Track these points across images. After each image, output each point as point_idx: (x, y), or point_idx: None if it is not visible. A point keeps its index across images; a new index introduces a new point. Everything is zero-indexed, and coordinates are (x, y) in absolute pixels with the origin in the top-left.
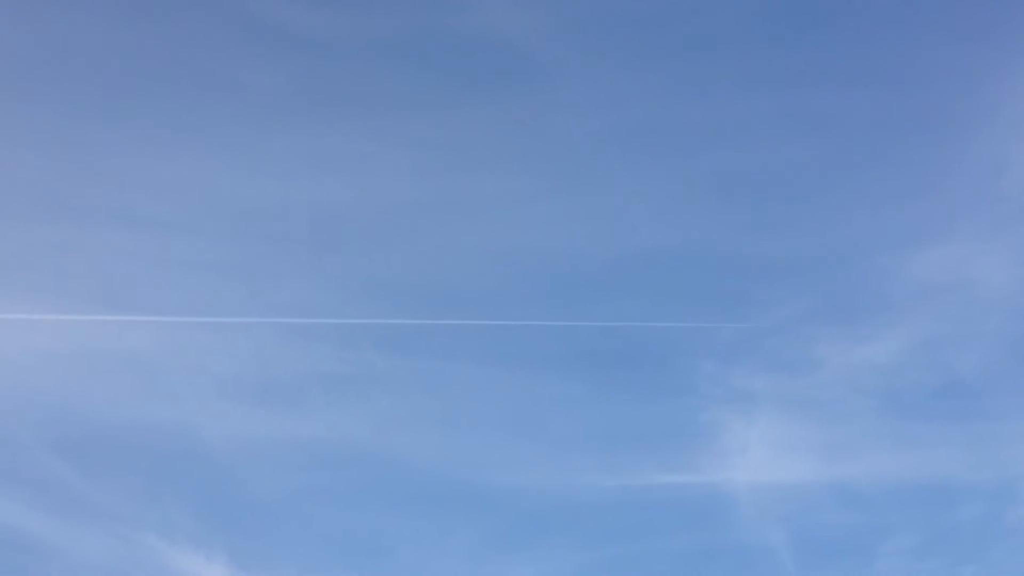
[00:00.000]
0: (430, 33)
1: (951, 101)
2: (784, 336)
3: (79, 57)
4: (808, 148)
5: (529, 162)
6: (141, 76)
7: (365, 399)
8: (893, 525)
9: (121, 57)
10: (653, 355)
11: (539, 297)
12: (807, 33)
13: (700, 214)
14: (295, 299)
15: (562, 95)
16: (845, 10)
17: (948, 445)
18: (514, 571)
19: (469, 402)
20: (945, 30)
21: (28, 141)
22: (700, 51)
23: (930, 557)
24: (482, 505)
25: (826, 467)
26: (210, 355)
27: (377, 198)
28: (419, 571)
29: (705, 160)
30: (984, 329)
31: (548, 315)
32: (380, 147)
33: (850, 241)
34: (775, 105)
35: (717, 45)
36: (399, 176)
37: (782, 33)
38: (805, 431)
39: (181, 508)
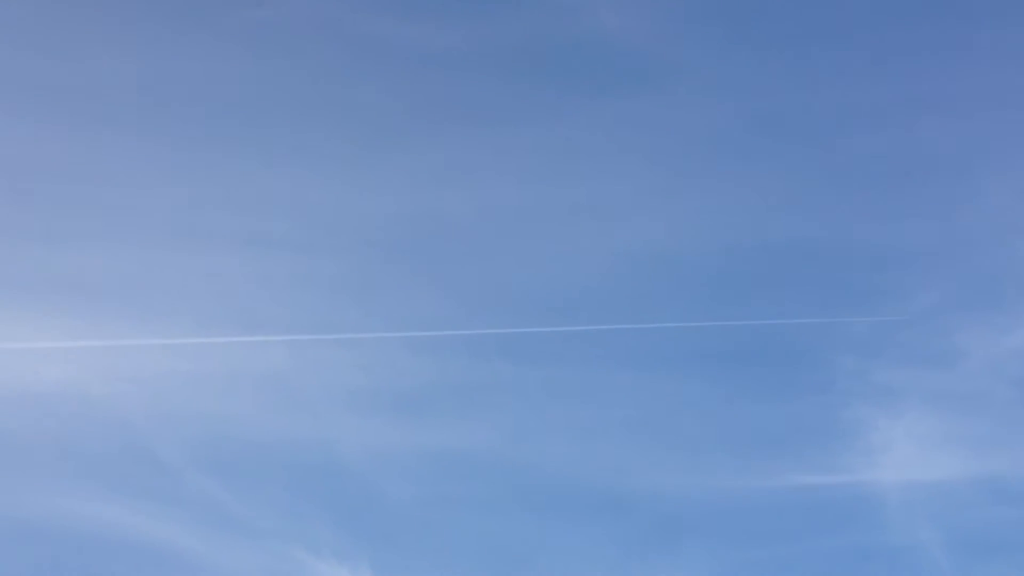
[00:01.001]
0: (539, 40)
1: None
2: (924, 327)
3: (201, 89)
4: (941, 131)
5: (648, 161)
6: (260, 103)
7: (495, 408)
8: None
9: (239, 86)
10: (787, 352)
11: (665, 298)
12: (939, 12)
13: (830, 203)
14: (421, 312)
15: (677, 92)
16: None
17: None
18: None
19: (599, 407)
20: None
21: (160, 173)
22: (820, 38)
23: None
24: (618, 510)
25: (977, 462)
26: (342, 371)
27: (496, 207)
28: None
29: (832, 148)
30: None
31: (675, 316)
32: (496, 156)
33: (989, 225)
34: (905, 89)
35: (839, 31)
36: (517, 184)
37: (910, 14)
38: (952, 425)
39: (324, 521)
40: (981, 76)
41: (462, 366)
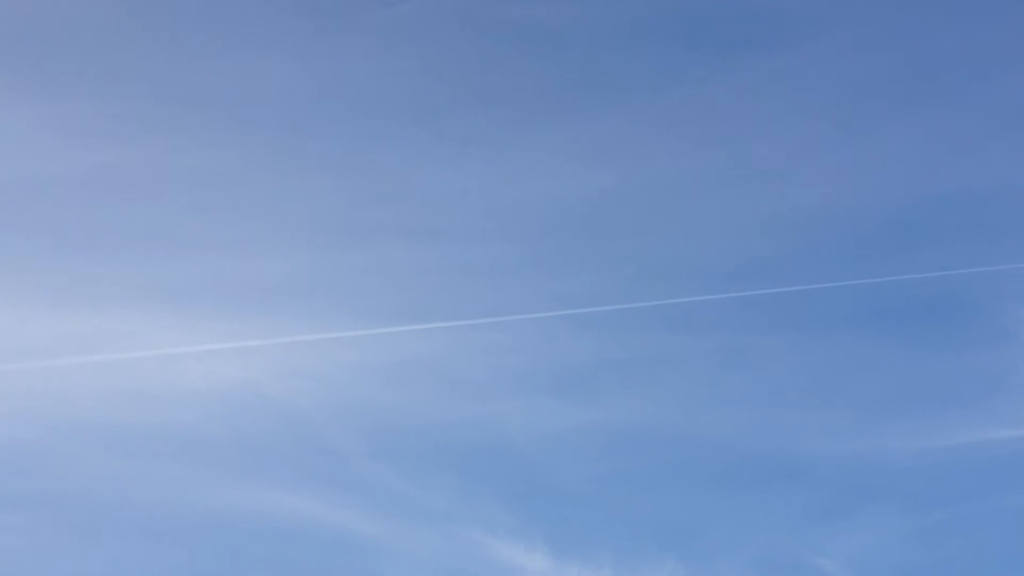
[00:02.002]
0: (676, 8)
1: None
2: None
3: (349, 86)
4: None
5: (800, 119)
6: (406, 96)
7: (662, 381)
8: None
9: (385, 81)
10: (961, 304)
11: (829, 257)
12: None
13: (994, 148)
14: (579, 289)
15: (826, 44)
16: None
17: None
18: (836, 542)
19: (769, 374)
20: None
21: (317, 172)
22: None
23: None
24: (793, 477)
25: None
26: (505, 353)
27: (647, 179)
28: (736, 548)
29: (996, 89)
30: None
31: (841, 275)
32: (643, 128)
33: None
34: None
35: None
36: (666, 154)
37: None
38: None
39: (497, 502)
40: None
41: (625, 341)
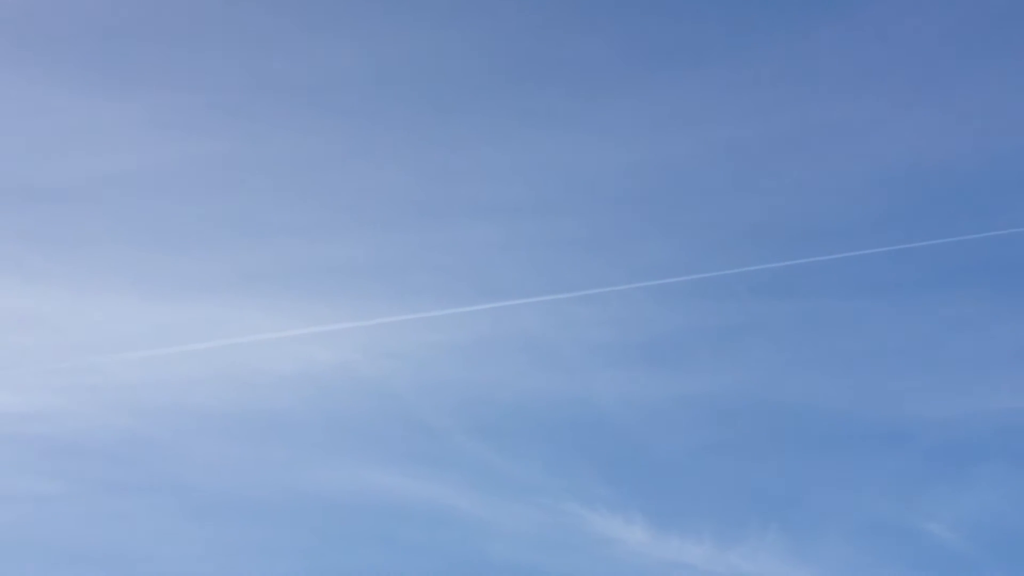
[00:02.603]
0: None
1: None
2: None
3: (422, 67)
4: None
5: (880, 77)
6: (480, 73)
7: (751, 348)
8: None
9: (458, 60)
10: None
11: (916, 216)
12: None
13: None
14: (663, 259)
15: (900, 1)
16: None
17: None
18: (945, 505)
19: (864, 336)
20: None
21: (395, 151)
22: None
23: None
24: (896, 440)
25: None
26: (592, 326)
27: (725, 143)
28: (840, 516)
29: None
30: None
31: (934, 233)
32: (719, 92)
33: None
34: None
35: None
36: (744, 118)
37: None
38: None
39: (592, 474)
40: None
41: (713, 309)
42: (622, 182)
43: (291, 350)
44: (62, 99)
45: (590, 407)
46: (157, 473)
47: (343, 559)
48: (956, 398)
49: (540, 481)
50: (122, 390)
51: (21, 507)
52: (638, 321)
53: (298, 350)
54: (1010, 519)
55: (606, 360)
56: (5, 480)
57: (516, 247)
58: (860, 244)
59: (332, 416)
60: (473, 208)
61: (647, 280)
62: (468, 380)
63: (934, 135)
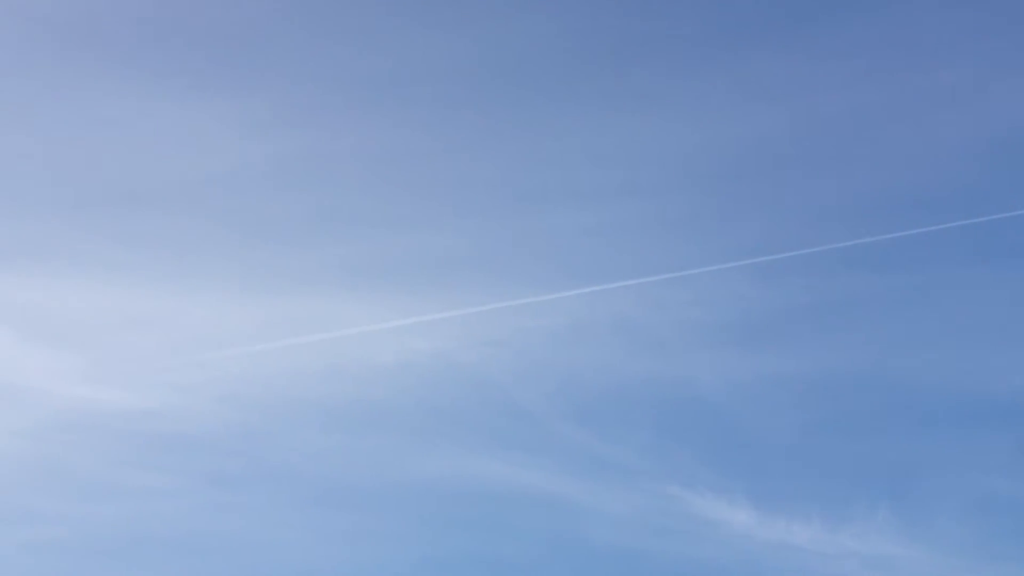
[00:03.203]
0: None
1: None
2: None
3: (504, 54)
4: None
5: (977, 41)
6: (561, 58)
7: (853, 324)
8: None
9: (545, 42)
10: None
11: (1016, 184)
12: None
13: None
14: (759, 237)
15: None
16: None
17: None
18: None
19: (966, 309)
20: None
21: (483, 141)
22: None
23: None
24: (1007, 415)
25: None
26: (688, 307)
27: (820, 115)
28: (952, 492)
29: None
30: None
31: None
32: (812, 63)
33: None
34: None
35: None
36: (839, 88)
37: None
38: None
39: (693, 456)
40: None
41: (811, 286)
42: (714, 160)
43: (391, 341)
44: (160, 105)
45: (688, 389)
46: (266, 464)
47: (447, 545)
48: None
49: (641, 464)
50: (229, 385)
51: (138, 501)
52: (734, 301)
53: (398, 341)
54: None
55: (703, 341)
56: (122, 475)
57: (609, 231)
58: (961, 214)
59: (433, 404)
60: (566, 194)
61: (742, 259)
62: (565, 365)
63: None
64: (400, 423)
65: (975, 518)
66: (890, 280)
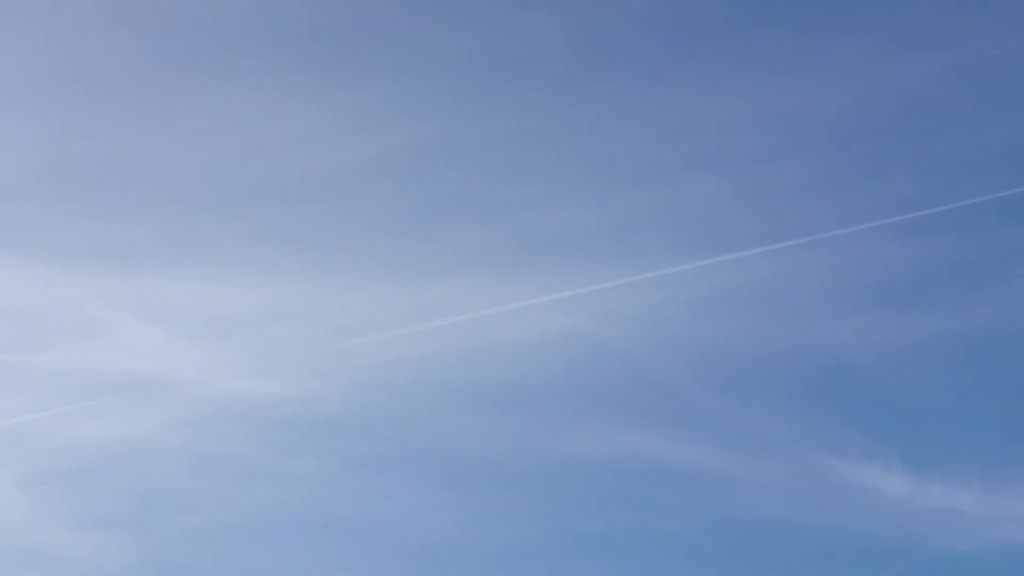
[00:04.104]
0: None
1: None
2: None
3: (625, 25)
4: None
5: None
6: (684, 25)
7: (1007, 280)
8: None
9: (663, 13)
10: None
11: None
12: None
13: None
14: (901, 194)
15: None
16: None
17: None
18: None
19: None
20: None
21: (608, 115)
22: None
23: None
24: None
25: None
26: (830, 271)
27: (963, 65)
28: None
29: None
30: None
31: None
32: (948, 12)
33: None
34: None
35: None
36: (981, 37)
37: None
38: None
39: (842, 423)
40: None
41: (961, 242)
42: (852, 118)
43: (528, 320)
44: (289, 102)
45: (834, 355)
46: (410, 447)
47: (594, 522)
48: None
49: (788, 434)
50: (372, 370)
51: (291, 486)
52: (878, 261)
53: (535, 320)
54: None
55: (846, 305)
56: (275, 461)
57: (744, 197)
58: None
59: (573, 382)
60: (697, 161)
61: (885, 218)
62: (704, 336)
63: None
64: (541, 402)
65: None
66: None
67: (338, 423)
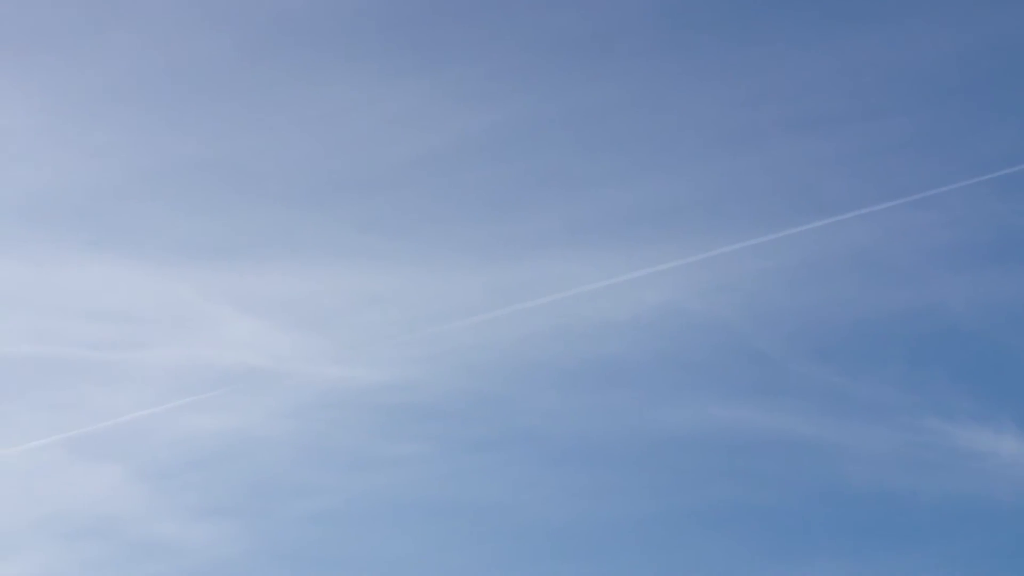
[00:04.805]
0: None
1: None
2: None
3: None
4: None
5: None
6: None
7: None
8: None
9: None
10: None
11: None
12: None
13: None
14: (1007, 147)
15: None
16: None
17: None
18: None
19: None
20: None
21: (695, 81)
22: None
23: None
24: None
25: None
26: (932, 230)
27: None
28: None
29: None
30: None
31: None
32: None
33: None
34: None
35: None
36: None
37: None
38: None
39: (952, 387)
40: None
41: None
42: (952, 70)
43: (620, 296)
44: (372, 88)
45: (939, 316)
46: (511, 428)
47: (699, 496)
48: None
49: (894, 399)
50: (469, 353)
51: (395, 470)
52: (983, 218)
53: (627, 295)
54: None
55: (951, 265)
56: (379, 446)
57: (839, 158)
58: None
59: (668, 356)
60: (787, 124)
61: (990, 172)
62: (803, 304)
63: None
64: (637, 377)
65: None
66: None
67: (438, 407)
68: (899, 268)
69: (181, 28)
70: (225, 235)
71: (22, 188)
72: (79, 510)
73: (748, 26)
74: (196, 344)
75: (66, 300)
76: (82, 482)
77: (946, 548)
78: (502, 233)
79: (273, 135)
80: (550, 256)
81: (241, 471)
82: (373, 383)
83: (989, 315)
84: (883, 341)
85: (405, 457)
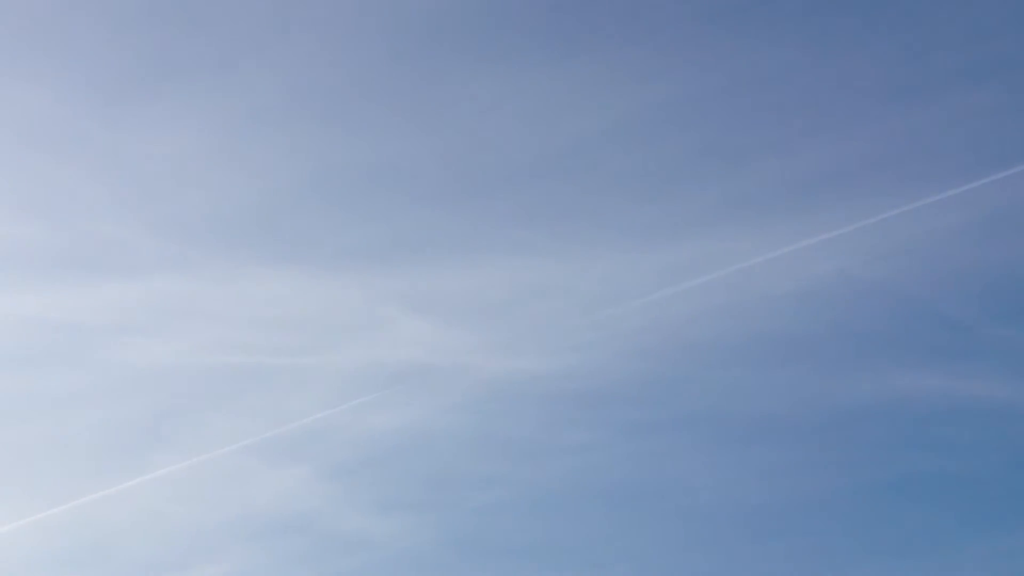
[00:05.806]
0: None
1: None
2: None
3: None
4: None
5: None
6: None
7: None
8: None
9: None
10: None
11: None
12: None
13: None
14: None
15: None
16: None
17: None
18: None
19: None
20: None
21: (845, 45)
22: None
23: None
24: None
25: None
26: None
27: None
28: None
29: None
30: None
31: None
32: None
33: None
34: None
35: None
36: None
37: None
38: None
39: None
40: None
41: None
42: None
43: (789, 267)
44: (520, 79)
45: None
46: (683, 409)
47: (888, 469)
48: None
49: None
50: (635, 337)
51: (569, 457)
52: None
53: (796, 266)
54: None
55: None
56: (550, 435)
57: (1016, 107)
58: None
59: (846, 327)
60: (960, 73)
61: None
62: (987, 262)
63: None
64: (814, 352)
65: None
66: None
67: (607, 392)
68: None
69: (334, 37)
70: (387, 238)
71: (201, 210)
72: (272, 509)
73: None
74: (368, 345)
75: (250, 311)
76: (273, 483)
77: None
78: (662, 213)
79: (426, 136)
80: (713, 232)
81: (420, 465)
82: (543, 372)
83: None
84: None
85: (578, 444)
